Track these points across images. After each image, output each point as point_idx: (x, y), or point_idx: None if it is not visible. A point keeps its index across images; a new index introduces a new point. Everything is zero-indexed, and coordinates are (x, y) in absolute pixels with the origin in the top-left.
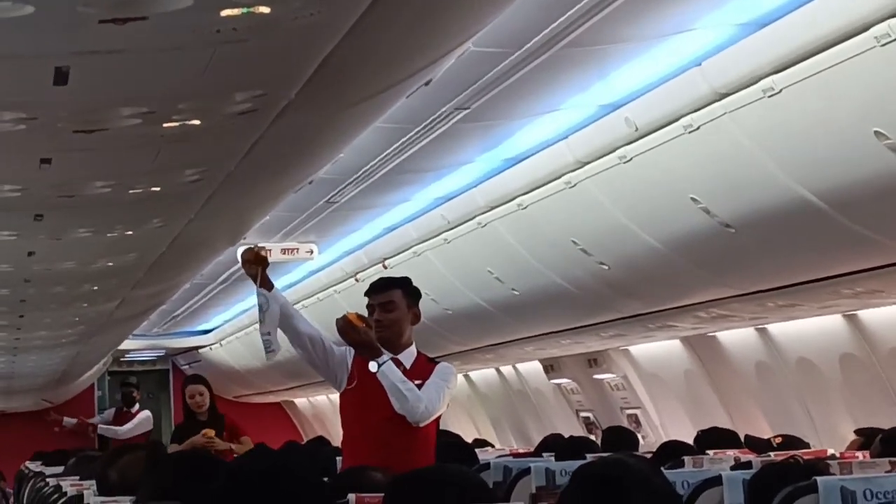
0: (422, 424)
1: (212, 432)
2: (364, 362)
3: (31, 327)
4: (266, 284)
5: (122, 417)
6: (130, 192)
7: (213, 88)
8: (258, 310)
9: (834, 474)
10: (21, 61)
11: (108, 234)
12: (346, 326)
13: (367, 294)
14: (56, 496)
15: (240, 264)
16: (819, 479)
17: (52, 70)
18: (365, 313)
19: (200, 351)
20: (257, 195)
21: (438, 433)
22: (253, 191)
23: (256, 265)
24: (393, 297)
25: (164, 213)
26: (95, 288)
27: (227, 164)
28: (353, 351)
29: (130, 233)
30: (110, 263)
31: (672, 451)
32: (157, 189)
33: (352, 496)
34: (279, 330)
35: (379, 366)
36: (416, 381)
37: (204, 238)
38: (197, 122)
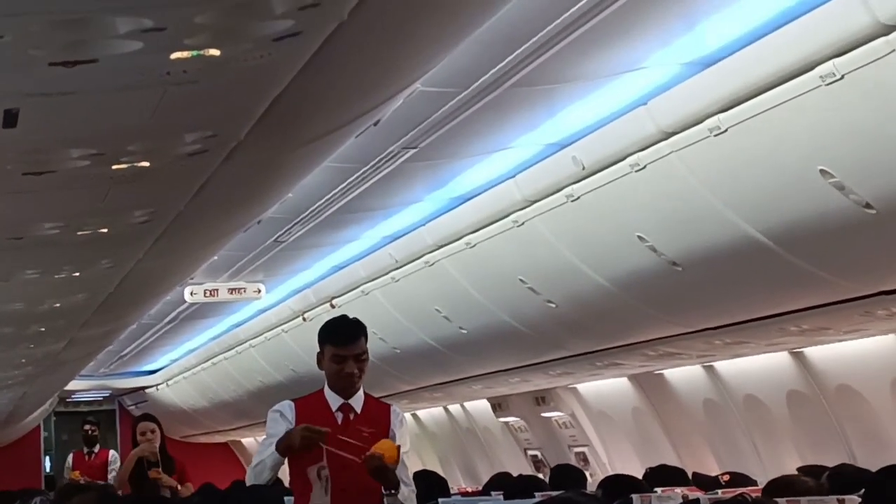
0: None
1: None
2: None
3: None
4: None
5: (89, 460)
6: (79, 233)
7: (162, 130)
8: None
9: None
10: None
11: (56, 276)
12: (381, 469)
13: (338, 344)
14: None
15: (186, 304)
16: None
17: (1, 112)
18: (313, 357)
19: (147, 391)
20: (206, 235)
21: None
22: (202, 231)
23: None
24: (364, 346)
25: (113, 254)
26: (43, 329)
27: (177, 204)
28: (289, 405)
29: (78, 274)
30: (58, 304)
31: (618, 484)
32: (106, 230)
33: None
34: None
35: (395, 493)
36: (369, 429)
37: (152, 278)
38: (146, 163)
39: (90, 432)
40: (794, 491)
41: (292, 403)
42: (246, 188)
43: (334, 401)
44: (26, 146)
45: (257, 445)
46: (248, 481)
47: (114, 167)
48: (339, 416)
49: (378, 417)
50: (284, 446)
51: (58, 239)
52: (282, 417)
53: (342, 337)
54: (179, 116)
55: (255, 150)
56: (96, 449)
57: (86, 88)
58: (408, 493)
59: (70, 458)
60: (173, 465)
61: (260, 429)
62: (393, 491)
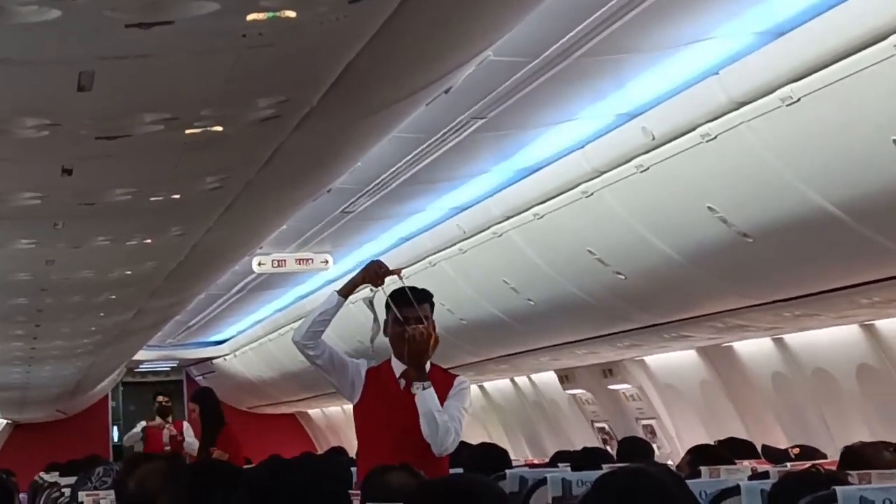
0: (444, 454)
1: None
2: (377, 376)
3: (48, 337)
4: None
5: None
6: (151, 199)
7: (236, 94)
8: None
9: (853, 484)
10: (45, 66)
11: (128, 243)
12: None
13: (396, 304)
14: None
15: (254, 274)
16: (838, 488)
17: (76, 76)
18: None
19: (214, 362)
20: (276, 204)
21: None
22: (272, 199)
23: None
24: (426, 310)
25: (184, 222)
26: (113, 297)
27: (248, 171)
28: (366, 363)
29: (149, 241)
30: (128, 272)
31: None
32: (178, 196)
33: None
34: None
35: (423, 388)
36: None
37: (222, 247)
38: (219, 128)
39: (163, 403)
40: (874, 460)
41: (365, 362)
42: (317, 155)
43: (398, 367)
44: (100, 111)
45: (324, 417)
46: (295, 337)
47: (187, 132)
48: (402, 383)
49: (441, 386)
50: (349, 282)
51: (130, 205)
52: (353, 359)
53: (402, 298)
54: (253, 81)
55: (327, 116)
56: (169, 420)
57: (161, 51)
58: (442, 420)
59: (141, 428)
60: (214, 437)
61: (327, 399)
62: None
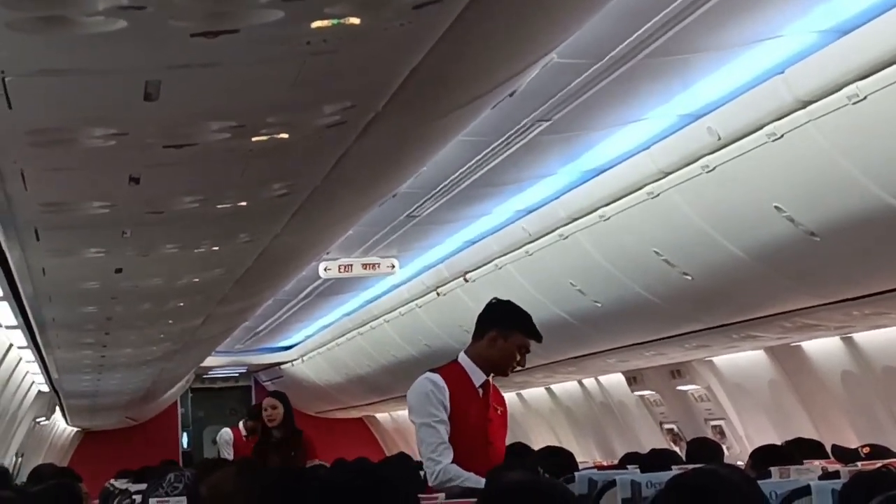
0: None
1: None
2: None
3: (117, 345)
4: None
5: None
6: (218, 207)
7: (302, 101)
8: None
9: None
10: (112, 76)
11: (196, 250)
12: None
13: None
14: None
15: (321, 280)
16: None
17: (142, 85)
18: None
19: (282, 367)
20: (343, 209)
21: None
22: (339, 205)
23: None
24: None
25: (251, 228)
26: (181, 304)
27: (314, 177)
28: (442, 389)
29: (217, 248)
30: (196, 279)
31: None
32: (245, 204)
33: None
34: None
35: None
36: (500, 408)
37: (289, 253)
38: (285, 135)
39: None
40: None
41: (439, 376)
42: (383, 161)
43: (477, 376)
44: (167, 119)
45: (391, 421)
46: (438, 486)
47: (253, 139)
48: (480, 392)
49: (499, 399)
50: None
51: (197, 213)
52: (433, 394)
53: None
54: (319, 87)
55: (392, 121)
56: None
57: (226, 60)
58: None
59: (228, 434)
60: (300, 438)
61: (394, 403)
62: None
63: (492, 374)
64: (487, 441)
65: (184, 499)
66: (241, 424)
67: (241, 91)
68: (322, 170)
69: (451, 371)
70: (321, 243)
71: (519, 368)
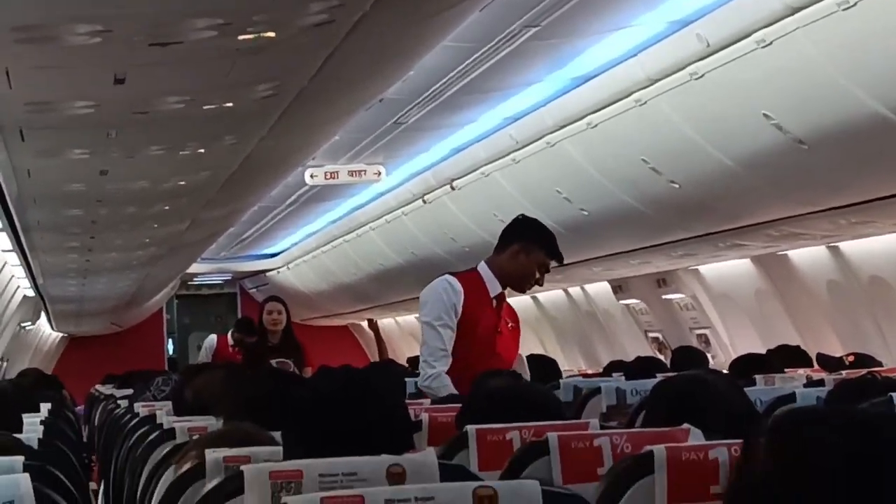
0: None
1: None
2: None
3: (102, 249)
4: None
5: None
6: (204, 107)
7: None
8: None
9: None
10: None
11: (181, 152)
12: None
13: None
14: (128, 417)
15: (307, 186)
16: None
17: None
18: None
19: (268, 274)
20: (329, 111)
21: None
22: (325, 107)
23: None
24: None
25: (237, 130)
26: (167, 208)
27: (301, 78)
28: (458, 290)
29: (203, 150)
30: (182, 182)
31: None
32: (231, 105)
33: (425, 415)
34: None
35: None
36: (512, 322)
37: (275, 157)
38: (272, 33)
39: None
40: None
41: (457, 280)
42: (370, 62)
43: (493, 287)
44: (152, 16)
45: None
46: (425, 389)
47: (239, 38)
48: (494, 303)
49: (511, 314)
50: None
51: (183, 113)
52: (447, 295)
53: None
54: None
55: (380, 21)
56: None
57: None
58: None
59: (212, 341)
60: (300, 350)
61: (380, 312)
62: None
63: (507, 288)
64: (494, 352)
65: (169, 403)
66: (229, 334)
67: None
68: (309, 70)
69: (468, 278)
70: (307, 147)
71: (536, 287)
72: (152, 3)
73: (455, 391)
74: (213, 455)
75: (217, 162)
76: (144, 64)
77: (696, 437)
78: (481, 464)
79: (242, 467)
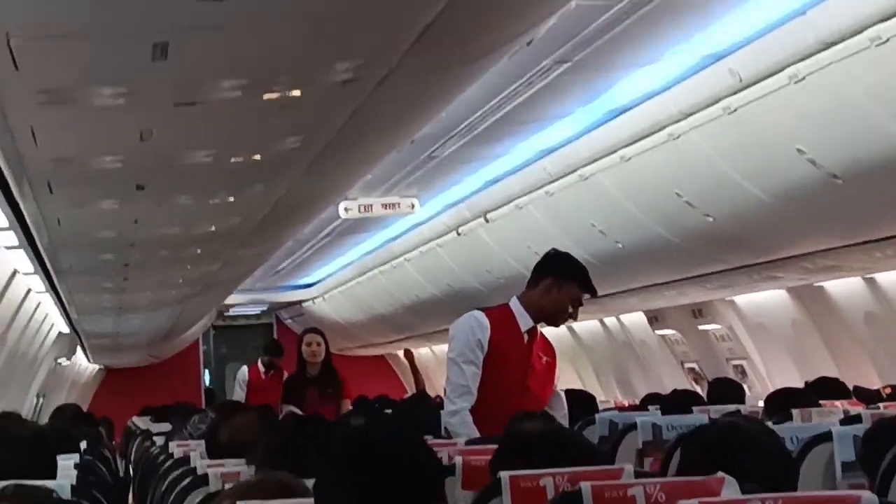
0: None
1: None
2: (500, 322)
3: (136, 289)
4: None
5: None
6: (232, 160)
7: (313, 58)
8: None
9: None
10: (119, 38)
11: (210, 201)
12: None
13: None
14: (163, 458)
15: (341, 219)
16: None
17: (149, 46)
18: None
19: (304, 305)
20: (358, 158)
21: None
22: (354, 154)
23: None
24: None
25: (266, 179)
26: (199, 251)
27: (328, 131)
28: (485, 326)
29: (233, 199)
30: (213, 228)
31: (784, 398)
32: (258, 157)
33: (458, 458)
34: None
35: None
36: (546, 357)
37: (306, 200)
38: (297, 92)
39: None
40: None
41: (484, 315)
42: (398, 113)
43: (524, 321)
44: (176, 78)
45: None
46: (446, 425)
47: (265, 97)
48: (526, 338)
49: (547, 348)
50: None
51: (211, 166)
52: (474, 331)
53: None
54: (329, 44)
55: (409, 73)
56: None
57: (234, 22)
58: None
59: (243, 374)
60: (339, 381)
61: (415, 341)
62: None
63: (541, 323)
64: (525, 386)
65: (203, 442)
66: (259, 362)
67: (250, 50)
68: (336, 123)
69: (498, 313)
70: (338, 190)
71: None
72: (175, 66)
73: (475, 430)
74: None
75: (248, 208)
76: (170, 122)
77: (730, 486)
78: None
79: None
